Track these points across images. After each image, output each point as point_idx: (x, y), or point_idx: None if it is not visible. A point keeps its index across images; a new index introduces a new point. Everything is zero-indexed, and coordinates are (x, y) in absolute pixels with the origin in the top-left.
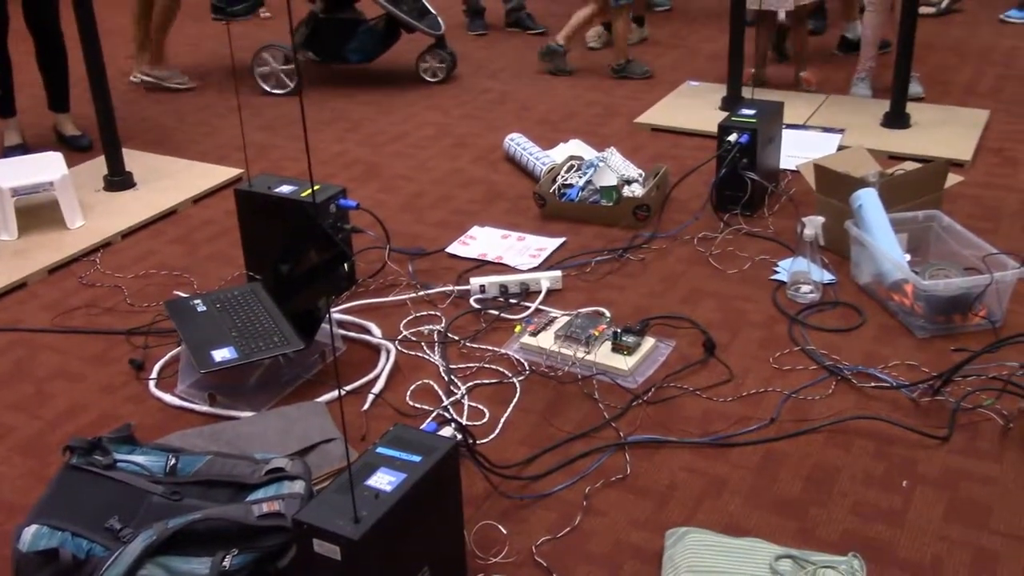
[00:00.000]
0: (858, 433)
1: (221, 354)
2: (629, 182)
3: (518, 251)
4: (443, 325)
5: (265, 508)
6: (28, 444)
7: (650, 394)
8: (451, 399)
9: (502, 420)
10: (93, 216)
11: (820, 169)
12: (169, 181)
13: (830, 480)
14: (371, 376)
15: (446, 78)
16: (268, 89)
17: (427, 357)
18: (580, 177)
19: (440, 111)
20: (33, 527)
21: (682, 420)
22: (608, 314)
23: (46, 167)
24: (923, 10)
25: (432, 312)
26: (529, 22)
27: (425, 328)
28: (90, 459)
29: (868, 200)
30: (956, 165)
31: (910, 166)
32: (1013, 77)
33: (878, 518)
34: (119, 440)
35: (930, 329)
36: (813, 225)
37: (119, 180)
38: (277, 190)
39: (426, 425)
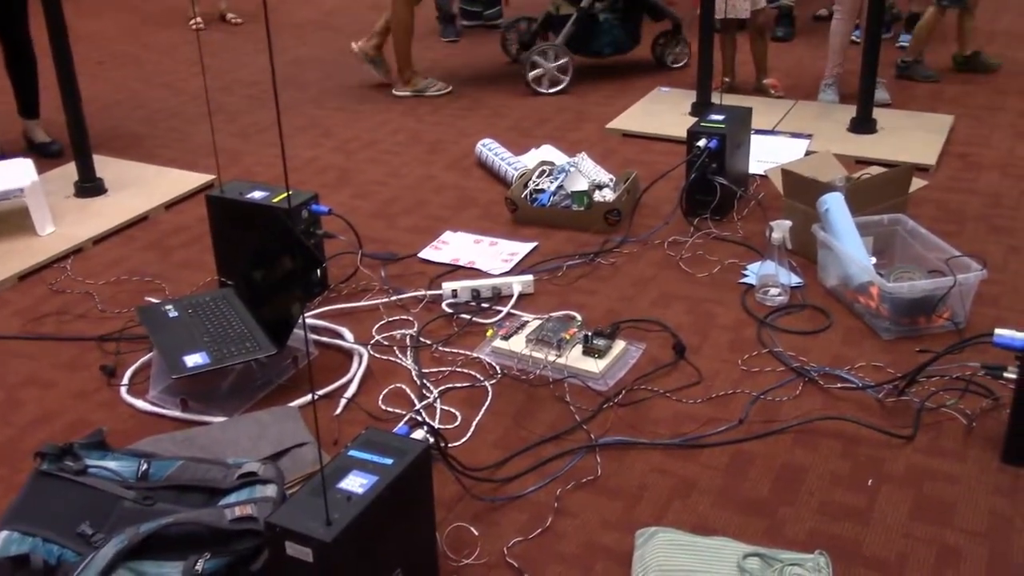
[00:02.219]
0: (825, 433)
1: (193, 359)
2: (600, 187)
3: (490, 256)
4: (415, 330)
5: (237, 512)
6: (1, 450)
7: (621, 396)
8: (423, 403)
9: (474, 423)
10: (64, 222)
11: (788, 174)
12: (140, 187)
13: (797, 480)
14: (344, 381)
15: (686, 64)
16: (542, 90)
17: (399, 361)
18: (552, 182)
19: (413, 117)
20: (3, 533)
21: (652, 422)
22: (579, 318)
23: (16, 173)
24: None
25: (405, 317)
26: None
27: (398, 333)
28: (61, 465)
29: (835, 204)
30: (921, 169)
31: (876, 171)
32: (977, 84)
33: (844, 516)
34: (90, 446)
35: (895, 331)
36: (781, 229)
37: (90, 186)
38: (249, 196)
39: (398, 428)
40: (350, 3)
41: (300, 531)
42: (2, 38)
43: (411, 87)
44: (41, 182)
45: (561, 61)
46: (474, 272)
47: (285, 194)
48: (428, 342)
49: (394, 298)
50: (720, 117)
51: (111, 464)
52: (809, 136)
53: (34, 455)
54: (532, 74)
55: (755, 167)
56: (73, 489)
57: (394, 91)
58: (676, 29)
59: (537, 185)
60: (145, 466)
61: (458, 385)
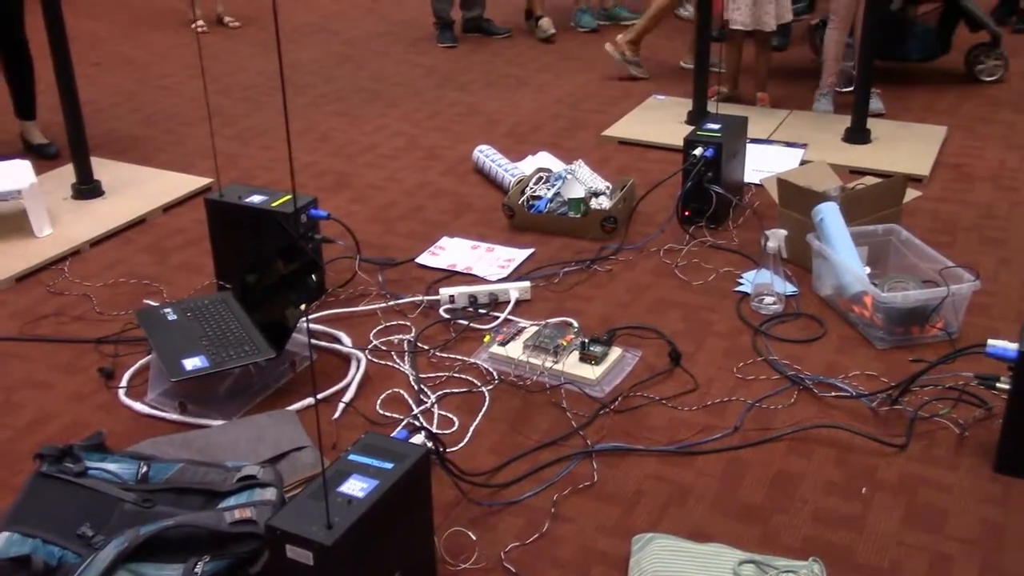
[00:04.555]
0: (819, 441)
1: (192, 362)
2: (597, 194)
3: (487, 262)
4: (413, 335)
5: (237, 515)
6: None
7: (617, 403)
8: (421, 408)
9: (471, 428)
10: (61, 224)
11: (783, 183)
12: (138, 189)
13: (792, 487)
14: (341, 385)
15: (1000, 79)
16: (841, 89)
17: (397, 366)
18: (548, 189)
19: (410, 122)
20: (4, 534)
21: (648, 428)
22: (576, 324)
23: (14, 175)
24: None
25: (402, 322)
26: (491, 27)
27: (395, 337)
28: (61, 466)
29: (829, 214)
30: (915, 180)
31: (870, 181)
32: (971, 95)
33: (838, 524)
34: (90, 448)
35: (889, 340)
36: (776, 238)
37: (88, 188)
38: (247, 200)
39: (397, 433)
40: (347, 7)
41: (301, 534)
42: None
43: (622, 53)
44: (39, 184)
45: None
46: (471, 278)
47: (285, 198)
48: (425, 347)
49: (392, 303)
50: (716, 126)
51: (111, 466)
52: (804, 146)
53: (34, 457)
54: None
55: (750, 176)
56: (73, 491)
57: (606, 45)
58: (995, 42)
59: (534, 192)
60: (145, 468)
61: (455, 391)
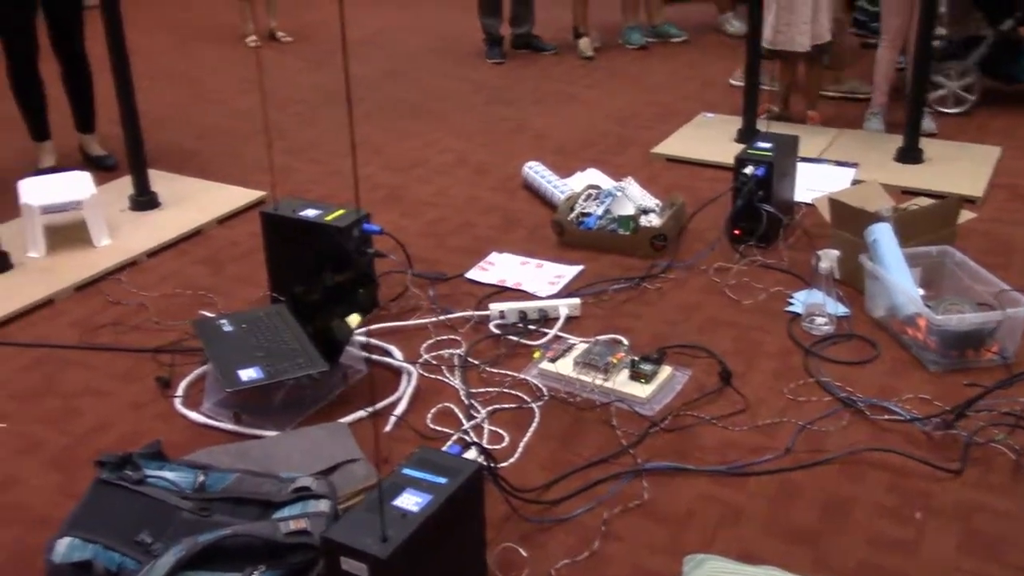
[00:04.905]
0: (872, 465)
1: (247, 373)
2: (646, 212)
3: (536, 278)
4: (463, 350)
5: (292, 526)
6: (58, 459)
7: (667, 422)
8: (471, 423)
9: (521, 445)
10: (119, 235)
11: (835, 203)
12: (194, 202)
13: (845, 511)
14: (393, 398)
15: None
16: (944, 110)
17: (447, 381)
18: (598, 206)
19: (459, 138)
20: (66, 539)
21: (698, 448)
22: (626, 342)
23: (74, 186)
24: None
25: (452, 336)
26: (539, 43)
27: (445, 352)
28: (121, 474)
29: (883, 234)
30: (968, 201)
31: (923, 201)
32: None
33: (892, 549)
34: (149, 456)
35: (943, 363)
36: (829, 258)
37: (145, 200)
38: (302, 213)
39: (449, 447)
40: (396, 25)
41: (356, 547)
42: (59, 55)
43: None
44: (98, 195)
45: (966, 80)
46: (521, 294)
47: (339, 212)
48: (476, 362)
49: (442, 318)
50: (767, 145)
51: (169, 475)
52: (855, 165)
53: (95, 463)
54: (935, 95)
55: (801, 195)
56: (132, 498)
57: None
58: None
59: (584, 208)
60: (202, 478)
61: (506, 406)
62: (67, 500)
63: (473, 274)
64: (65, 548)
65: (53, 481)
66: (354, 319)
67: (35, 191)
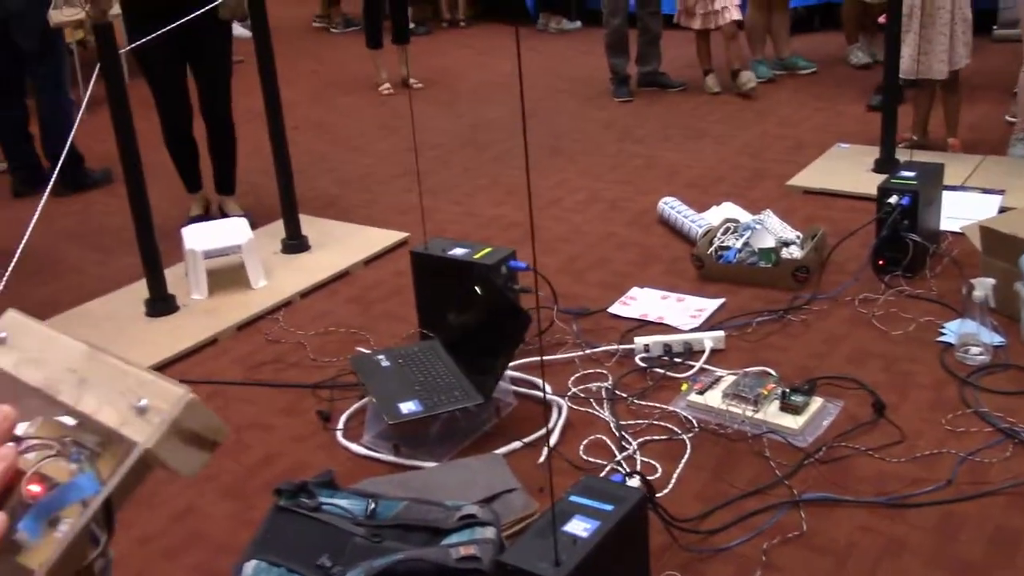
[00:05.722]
0: None
1: (407, 406)
2: (787, 244)
3: (678, 311)
4: (611, 382)
5: (462, 552)
6: (231, 488)
7: (821, 453)
8: (624, 454)
9: (675, 475)
10: (274, 277)
11: (987, 231)
12: (340, 244)
13: (1013, 544)
14: (545, 431)
15: None
16: None
17: (597, 413)
18: (737, 239)
19: (591, 176)
20: (253, 562)
21: (855, 480)
22: (775, 374)
23: (234, 231)
24: None
25: (599, 370)
26: (666, 80)
27: (593, 385)
28: (297, 501)
29: None
30: None
31: None
32: None
33: None
34: (322, 484)
35: None
36: (983, 287)
37: (296, 243)
38: (450, 252)
39: (612, 476)
40: (523, 67)
41: (531, 570)
42: (207, 120)
43: None
44: (254, 239)
45: None
46: (664, 327)
47: (485, 250)
48: (624, 395)
49: (588, 351)
50: (911, 173)
51: (342, 502)
52: (1001, 192)
53: (273, 491)
54: None
55: (946, 224)
56: (309, 524)
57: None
58: None
59: (723, 242)
60: (372, 505)
61: (656, 438)
62: (242, 527)
63: (615, 309)
64: (252, 571)
65: (228, 509)
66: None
67: (198, 237)
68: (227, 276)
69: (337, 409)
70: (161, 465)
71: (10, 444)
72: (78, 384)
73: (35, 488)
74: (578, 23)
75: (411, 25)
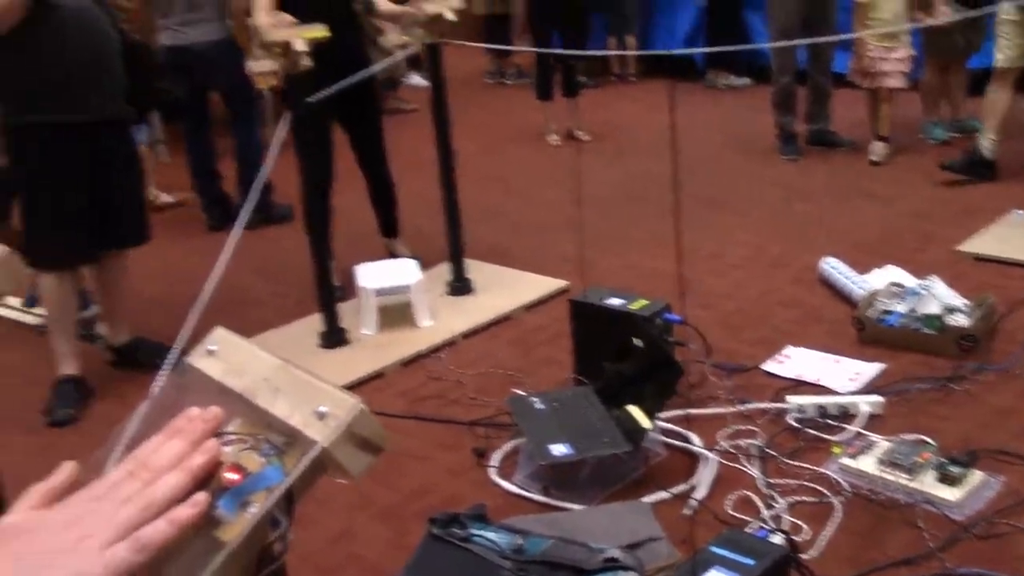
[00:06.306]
0: None
1: (559, 449)
2: (953, 311)
3: (835, 373)
4: (762, 440)
5: None
6: (387, 514)
7: (979, 528)
8: (771, 512)
9: (823, 537)
10: (439, 317)
11: None
12: (503, 289)
13: None
14: (692, 483)
15: None
16: None
17: (745, 469)
18: (901, 303)
19: (753, 232)
20: None
21: (1016, 558)
22: (933, 443)
23: (404, 272)
24: None
25: (750, 427)
26: (835, 138)
27: (743, 441)
28: (449, 531)
29: None
30: None
31: None
32: None
33: None
34: (474, 517)
35: None
36: None
37: (461, 286)
38: (607, 302)
39: (756, 532)
40: (690, 122)
41: None
42: (366, 174)
43: None
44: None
45: None
46: (819, 388)
47: (642, 301)
48: (774, 453)
49: (740, 408)
50: None
51: (491, 535)
52: None
53: (428, 520)
54: None
55: None
56: (460, 554)
57: None
58: None
59: (886, 306)
60: (520, 541)
61: (805, 499)
62: (396, 552)
63: (770, 366)
64: None
65: (383, 534)
66: (641, 416)
67: (370, 276)
68: (395, 314)
69: (492, 447)
70: (334, 464)
71: (214, 439)
72: (271, 391)
73: (232, 476)
74: (747, 79)
75: (581, 78)
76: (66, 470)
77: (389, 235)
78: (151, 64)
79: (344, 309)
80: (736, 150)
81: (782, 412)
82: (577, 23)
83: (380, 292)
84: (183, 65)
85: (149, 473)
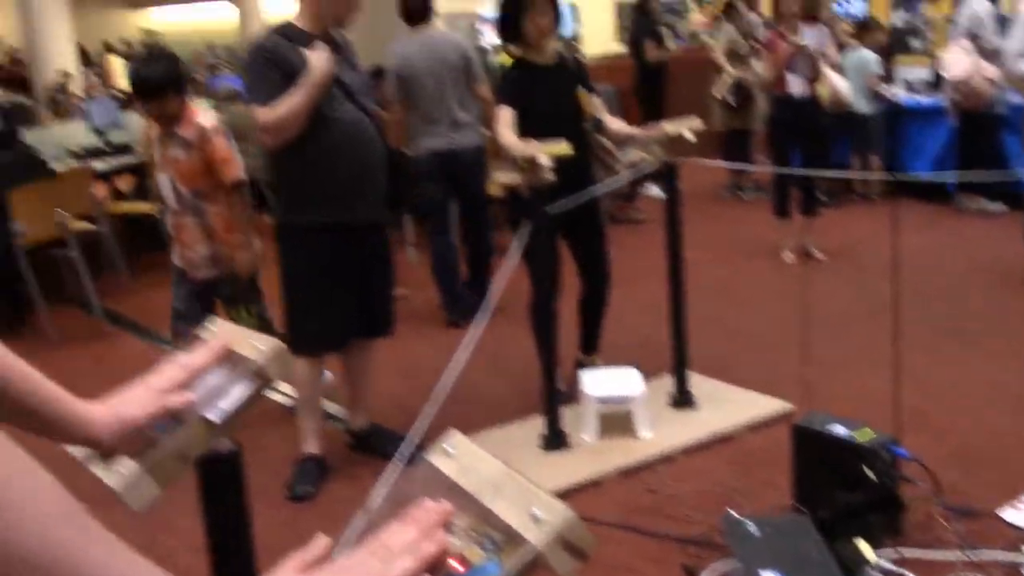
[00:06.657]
0: None
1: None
2: None
3: None
4: None
5: None
6: None
7: None
8: None
9: None
10: (659, 429)
11: None
12: (726, 405)
13: None
14: None
15: None
16: None
17: None
18: None
19: (998, 366)
20: None
21: None
22: None
23: (627, 382)
24: None
25: None
26: None
27: None
28: None
29: None
30: None
31: None
32: None
33: None
34: None
35: None
36: None
37: (683, 399)
38: (831, 429)
39: None
40: (931, 245)
41: None
42: (590, 280)
43: None
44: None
45: None
46: None
47: (867, 431)
48: None
49: (969, 555)
50: None
51: None
52: None
53: None
54: None
55: None
56: None
57: None
58: None
59: None
60: None
61: None
62: None
63: (1007, 514)
64: None
65: None
66: (867, 549)
67: (594, 383)
68: (616, 422)
69: (701, 566)
70: (544, 565)
71: (443, 530)
72: (495, 492)
73: (457, 566)
74: (1001, 205)
75: (821, 197)
76: (321, 543)
77: (589, 350)
78: (408, 171)
79: (565, 412)
80: (983, 278)
81: (1018, 565)
82: (818, 140)
83: (603, 401)
84: (446, 168)
85: (388, 554)
